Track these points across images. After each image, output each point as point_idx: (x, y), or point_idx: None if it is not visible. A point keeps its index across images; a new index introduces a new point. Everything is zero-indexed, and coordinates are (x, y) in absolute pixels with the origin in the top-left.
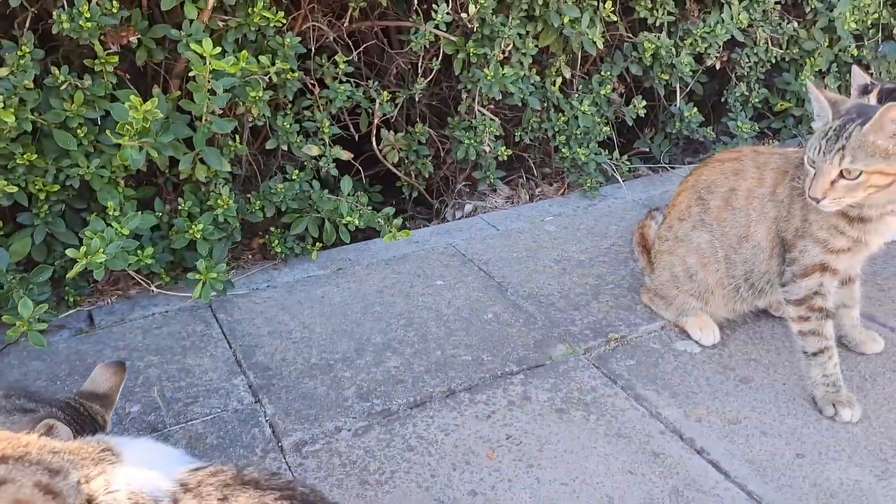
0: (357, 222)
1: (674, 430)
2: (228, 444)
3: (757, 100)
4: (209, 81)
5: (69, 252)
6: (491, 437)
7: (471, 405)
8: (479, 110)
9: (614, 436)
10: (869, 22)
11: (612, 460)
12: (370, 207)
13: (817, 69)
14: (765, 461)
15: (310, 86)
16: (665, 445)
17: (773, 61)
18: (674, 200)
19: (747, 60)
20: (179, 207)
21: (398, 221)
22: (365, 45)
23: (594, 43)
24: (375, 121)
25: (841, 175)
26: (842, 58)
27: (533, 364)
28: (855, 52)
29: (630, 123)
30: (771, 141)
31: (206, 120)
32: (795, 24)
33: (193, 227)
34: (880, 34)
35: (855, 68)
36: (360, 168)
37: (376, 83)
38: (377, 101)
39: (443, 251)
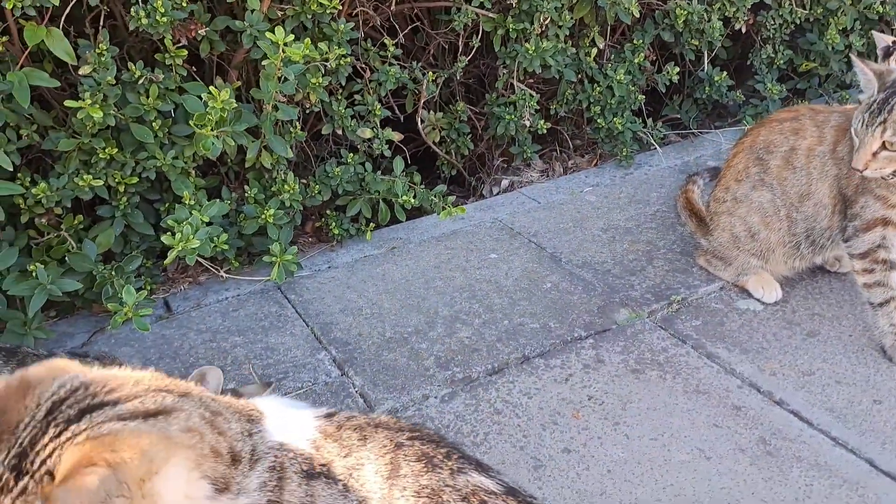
0: (413, 201)
1: (750, 384)
2: None
3: (782, 61)
4: (280, 69)
5: (165, 239)
6: (573, 399)
7: (547, 370)
8: (517, 85)
9: (693, 392)
10: None
11: (696, 415)
12: (422, 186)
13: (841, 28)
14: (844, 409)
15: (360, 70)
16: (744, 399)
17: (798, 22)
18: (728, 162)
19: (772, 22)
20: (246, 195)
21: (451, 198)
22: (411, 26)
23: (629, 11)
24: (421, 101)
25: (883, 146)
26: (866, 15)
27: (600, 329)
28: (880, 9)
29: (663, 90)
30: (798, 102)
31: (271, 107)
32: None
33: (265, 212)
34: None
35: (874, 33)
36: (403, 148)
37: (419, 64)
38: (423, 81)
39: (490, 226)
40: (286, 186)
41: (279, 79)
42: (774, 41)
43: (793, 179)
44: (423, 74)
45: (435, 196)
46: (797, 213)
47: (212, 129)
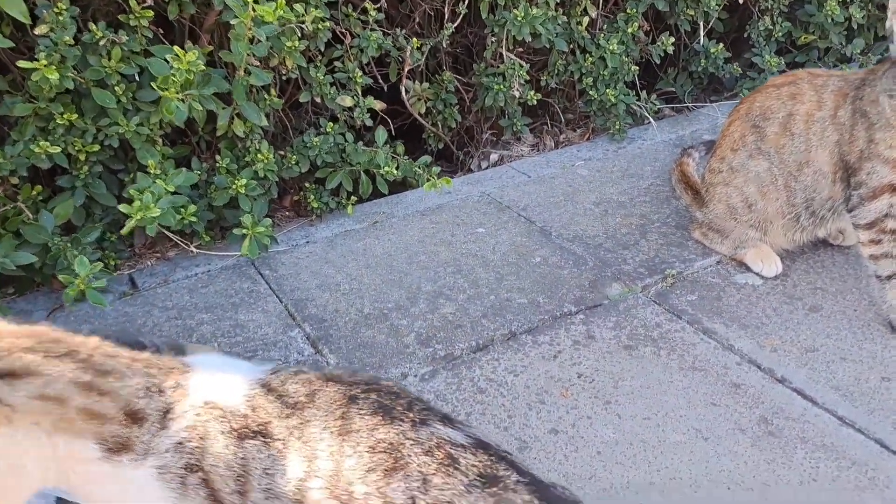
0: (395, 172)
1: (750, 360)
2: None
3: (780, 33)
4: (250, 29)
5: (122, 208)
6: (561, 377)
7: (534, 346)
8: (506, 55)
9: (689, 369)
10: None
11: (692, 393)
12: (406, 158)
13: None
14: (850, 386)
15: (340, 35)
16: (744, 376)
17: None
18: (724, 131)
19: None
20: (217, 165)
21: (436, 169)
22: None
23: None
24: (405, 69)
25: None
26: None
27: (591, 304)
28: None
29: (657, 62)
30: None
31: (243, 72)
32: None
33: (236, 182)
34: None
35: None
36: (388, 120)
37: (403, 32)
38: (407, 48)
39: (478, 200)
40: (260, 156)
41: (250, 40)
42: (772, 13)
43: (791, 147)
44: (408, 42)
45: (419, 167)
46: (796, 182)
47: (177, 93)
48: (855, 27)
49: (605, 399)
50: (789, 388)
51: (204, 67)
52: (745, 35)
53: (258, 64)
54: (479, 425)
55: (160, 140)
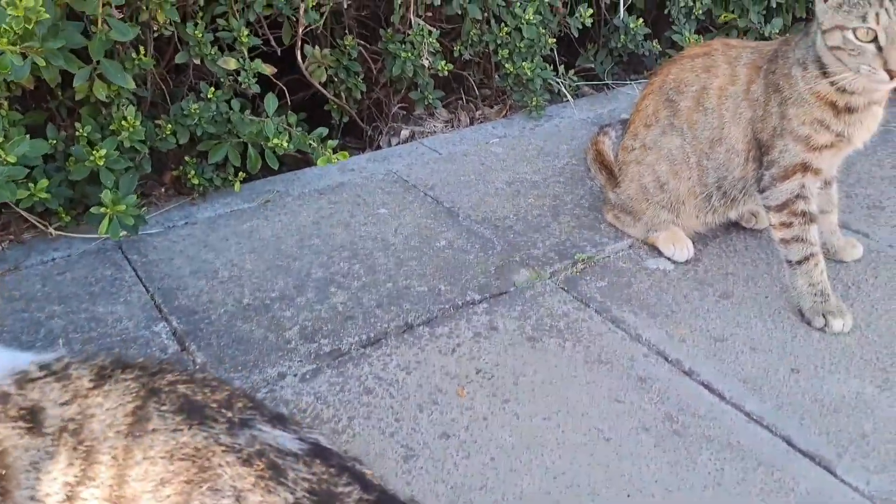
0: (286, 145)
1: (658, 352)
2: None
3: (700, 11)
4: None
5: None
6: (458, 373)
7: (432, 339)
8: (414, 20)
9: (595, 362)
10: None
11: (596, 388)
12: (300, 130)
13: None
14: (759, 379)
15: None
16: (650, 369)
17: None
18: (637, 105)
19: None
20: (77, 133)
21: (332, 143)
22: None
23: None
24: (300, 31)
25: None
26: None
27: (496, 291)
28: None
29: (575, 35)
30: None
31: (102, 25)
32: None
33: (95, 153)
34: None
35: None
36: (285, 90)
37: None
38: (301, 7)
39: (383, 178)
40: (125, 123)
41: None
42: None
43: (704, 122)
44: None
45: (313, 140)
46: (708, 160)
47: (12, 44)
48: (774, 6)
49: (504, 397)
50: (697, 381)
51: (46, 15)
52: (666, 12)
53: (119, 16)
54: (363, 432)
55: (5, 103)
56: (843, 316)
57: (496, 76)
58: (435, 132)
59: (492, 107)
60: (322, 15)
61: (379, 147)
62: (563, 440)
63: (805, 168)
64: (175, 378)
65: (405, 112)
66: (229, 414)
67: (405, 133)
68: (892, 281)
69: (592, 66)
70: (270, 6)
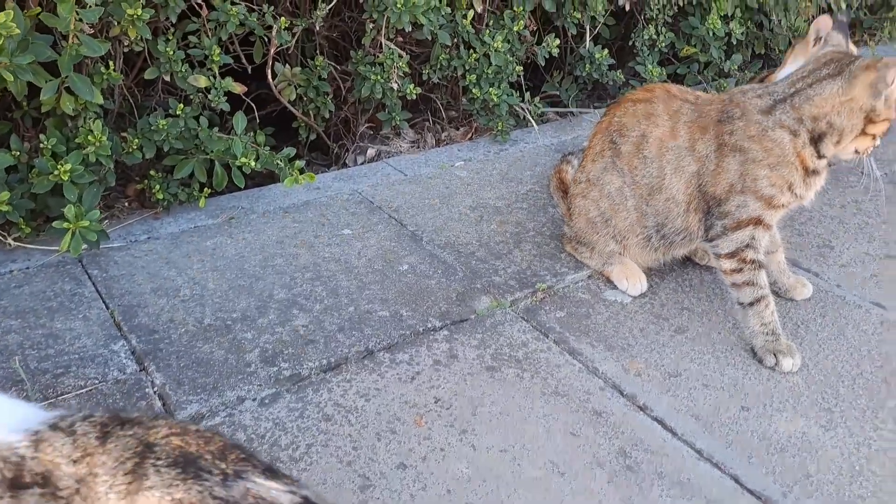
0: (253, 164)
1: (613, 385)
2: None
3: (664, 44)
4: None
5: None
6: (417, 402)
7: (392, 366)
8: (385, 44)
9: (552, 394)
10: None
11: (553, 421)
12: (268, 148)
13: (722, 14)
14: (710, 415)
15: (196, 6)
16: (606, 403)
17: (681, 4)
18: (590, 140)
19: (656, 2)
20: (41, 146)
21: (300, 163)
22: None
23: None
24: (272, 51)
25: None
26: (746, 3)
27: (457, 318)
28: None
29: (542, 63)
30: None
31: (73, 40)
32: None
33: (59, 167)
34: None
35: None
36: (253, 107)
37: (271, 9)
38: (273, 28)
39: (348, 198)
40: (91, 137)
41: (78, 3)
42: (657, 22)
43: (643, 170)
44: (275, 20)
45: (280, 160)
46: (647, 206)
47: None
48: (734, 42)
49: (462, 428)
50: (650, 416)
51: (17, 31)
52: (630, 43)
53: (90, 32)
54: (320, 460)
55: None
56: (792, 355)
57: (463, 100)
58: (401, 152)
59: (458, 129)
60: (294, 35)
61: (345, 165)
62: (519, 473)
63: (758, 222)
64: (169, 432)
65: (372, 131)
66: (223, 465)
67: (371, 152)
68: (838, 321)
69: (558, 93)
70: (243, 25)
